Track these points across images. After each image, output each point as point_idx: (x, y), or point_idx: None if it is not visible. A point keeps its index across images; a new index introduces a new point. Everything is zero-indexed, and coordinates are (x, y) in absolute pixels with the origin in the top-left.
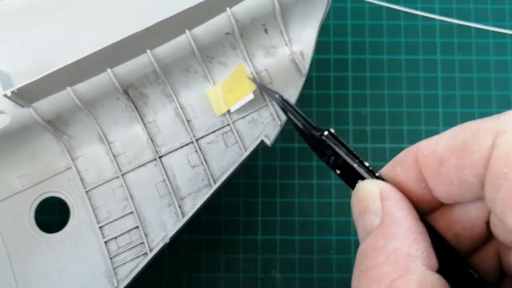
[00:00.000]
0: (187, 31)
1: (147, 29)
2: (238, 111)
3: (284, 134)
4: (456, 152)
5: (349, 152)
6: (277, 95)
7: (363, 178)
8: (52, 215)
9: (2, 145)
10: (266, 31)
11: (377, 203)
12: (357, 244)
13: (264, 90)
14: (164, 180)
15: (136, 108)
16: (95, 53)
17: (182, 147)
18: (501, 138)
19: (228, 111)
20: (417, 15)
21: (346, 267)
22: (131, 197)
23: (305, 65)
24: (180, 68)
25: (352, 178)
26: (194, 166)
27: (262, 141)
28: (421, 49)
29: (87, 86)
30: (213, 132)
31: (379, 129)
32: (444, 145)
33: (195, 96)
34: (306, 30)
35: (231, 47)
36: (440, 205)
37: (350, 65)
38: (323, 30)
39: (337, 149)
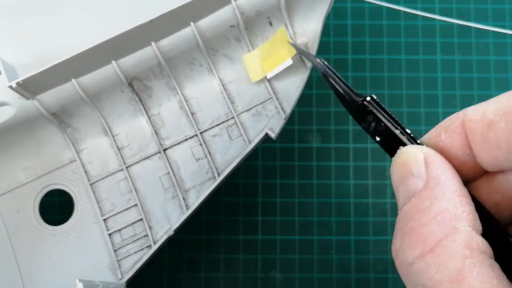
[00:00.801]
0: (192, 23)
1: (151, 21)
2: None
3: (284, 134)
4: (507, 115)
5: (391, 118)
6: (318, 60)
7: (404, 145)
8: (56, 207)
9: (6, 137)
10: (271, 24)
11: (421, 166)
12: (357, 244)
13: (305, 55)
14: (168, 172)
15: (140, 100)
16: (99, 45)
17: (186, 140)
18: None
19: (265, 78)
20: (417, 15)
21: (346, 267)
22: (135, 189)
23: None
24: (184, 61)
25: (392, 145)
26: (199, 159)
27: (266, 134)
28: (421, 49)
29: (91, 78)
30: (218, 125)
31: None
32: (494, 109)
33: (199, 89)
34: (311, 23)
35: (236, 40)
36: (482, 174)
37: (350, 65)
38: (323, 30)
39: (379, 115)
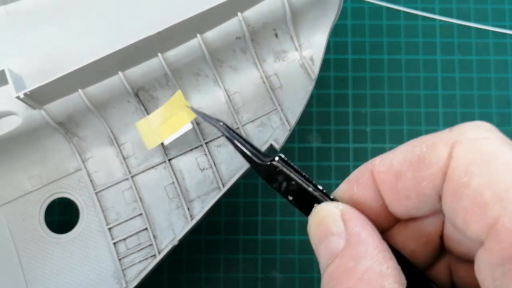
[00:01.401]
0: (198, 35)
1: (158, 33)
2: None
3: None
4: (413, 165)
5: (302, 176)
6: (221, 123)
7: (319, 202)
8: (61, 216)
9: (13, 146)
10: (276, 36)
11: (339, 224)
12: None
13: (207, 119)
14: (173, 182)
15: (146, 110)
16: (107, 56)
17: (191, 150)
18: (457, 148)
19: (162, 144)
20: (417, 15)
21: None
22: (140, 199)
23: (315, 70)
24: (190, 72)
25: (306, 203)
26: (203, 169)
27: (271, 145)
28: (421, 49)
29: (98, 89)
30: (223, 135)
31: (379, 129)
32: (400, 160)
33: (205, 100)
34: (316, 35)
35: (242, 52)
36: (396, 222)
37: (350, 65)
38: None
39: (290, 174)
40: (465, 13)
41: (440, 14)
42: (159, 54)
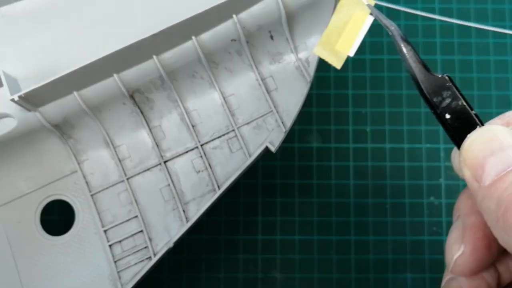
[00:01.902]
0: (193, 37)
1: (154, 35)
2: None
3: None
4: None
5: (466, 100)
6: (392, 27)
7: (479, 126)
8: (57, 218)
9: (8, 148)
10: (272, 38)
11: None
12: (357, 244)
13: (379, 17)
14: (168, 184)
15: (142, 113)
16: (102, 58)
17: (187, 152)
18: None
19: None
20: (417, 15)
21: (346, 267)
22: (135, 201)
23: (310, 72)
24: (186, 74)
25: (462, 125)
26: (199, 171)
27: (266, 147)
28: (421, 49)
29: (93, 91)
30: (218, 137)
31: (379, 129)
32: None
33: (200, 102)
34: (312, 37)
35: (237, 54)
36: None
37: (350, 65)
38: None
39: (458, 93)
40: (465, 13)
41: (440, 14)
42: (154, 57)
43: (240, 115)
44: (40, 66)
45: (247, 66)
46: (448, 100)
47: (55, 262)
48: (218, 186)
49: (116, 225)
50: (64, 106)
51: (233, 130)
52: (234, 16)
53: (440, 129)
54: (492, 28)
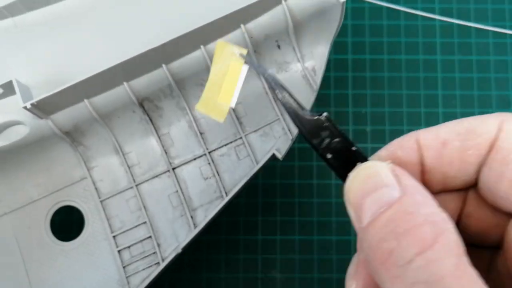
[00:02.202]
0: (202, 47)
1: (163, 45)
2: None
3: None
4: (461, 135)
5: (345, 137)
6: (269, 72)
7: (361, 161)
8: (67, 224)
9: (20, 155)
10: (279, 47)
11: (391, 177)
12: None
13: (253, 66)
14: (177, 191)
15: (151, 120)
16: (112, 67)
17: (195, 159)
18: (506, 124)
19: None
20: (417, 15)
21: (346, 267)
22: (144, 207)
23: (317, 81)
24: (194, 82)
25: (345, 162)
26: (207, 178)
27: (273, 155)
28: (421, 49)
29: (104, 99)
30: (226, 145)
31: (379, 129)
32: (447, 131)
33: None
34: (318, 47)
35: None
36: None
37: (350, 65)
38: None
39: (335, 131)
40: (465, 13)
41: (440, 14)
42: (163, 65)
43: (248, 123)
44: (51, 74)
45: (254, 75)
46: (327, 140)
47: (65, 267)
48: (226, 193)
49: (125, 231)
50: (75, 113)
51: (241, 138)
52: (242, 26)
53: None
54: (492, 28)
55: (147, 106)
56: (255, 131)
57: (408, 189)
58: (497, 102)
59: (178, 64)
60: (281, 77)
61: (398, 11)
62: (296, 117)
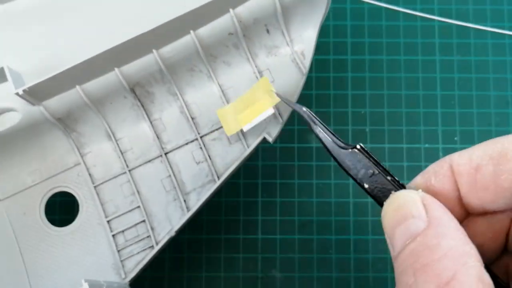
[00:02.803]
0: (191, 31)
1: (153, 30)
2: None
3: (284, 134)
4: (493, 159)
5: (381, 166)
6: (304, 109)
7: (396, 190)
8: (61, 209)
9: (13, 142)
10: (268, 31)
11: (420, 208)
12: (356, 243)
13: (290, 104)
14: (169, 175)
15: (142, 106)
16: (103, 53)
17: (187, 143)
18: None
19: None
20: (416, 16)
21: (345, 267)
22: (138, 192)
23: (306, 65)
24: (185, 68)
25: (382, 192)
26: (199, 162)
27: (264, 138)
28: (420, 50)
29: (95, 85)
30: (217, 129)
31: (378, 129)
32: (480, 154)
33: (199, 95)
34: (307, 30)
35: (234, 47)
36: (465, 218)
37: (349, 65)
38: (323, 31)
39: (369, 163)
40: (464, 13)
41: (439, 15)
42: (153, 51)
43: None
44: (42, 61)
45: (244, 59)
46: (362, 171)
47: (60, 252)
48: (218, 177)
49: (119, 216)
50: (67, 100)
51: None
52: (231, 10)
53: (439, 129)
54: (491, 28)
55: (138, 92)
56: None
57: (433, 220)
58: (496, 103)
59: (169, 49)
60: (271, 61)
61: (397, 12)
62: (332, 151)
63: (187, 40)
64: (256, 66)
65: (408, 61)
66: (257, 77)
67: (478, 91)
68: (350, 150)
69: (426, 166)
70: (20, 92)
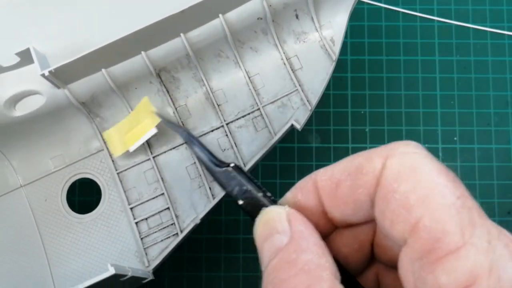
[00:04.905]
0: (220, 15)
1: (182, 12)
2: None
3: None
4: (351, 175)
5: (253, 183)
6: (181, 129)
7: (266, 206)
8: (84, 196)
9: (36, 126)
10: (297, 17)
11: (284, 223)
12: None
13: (169, 125)
14: (194, 163)
15: (168, 92)
16: (130, 35)
17: (212, 131)
18: (390, 160)
19: (128, 151)
20: (415, 16)
21: None
22: (162, 179)
23: (336, 51)
24: (212, 53)
25: (255, 208)
26: (224, 150)
27: (292, 125)
28: (420, 50)
29: (121, 69)
30: (243, 116)
31: (378, 129)
32: (341, 170)
33: (225, 81)
34: (337, 16)
35: (263, 33)
36: (332, 230)
37: (349, 65)
38: None
39: (242, 180)
40: (463, 14)
41: (439, 15)
42: (181, 34)
43: (265, 94)
44: (68, 44)
45: (272, 46)
46: (237, 188)
47: (82, 240)
48: (244, 164)
49: (142, 203)
50: (92, 83)
51: (258, 109)
52: None
53: (439, 129)
54: (490, 29)
55: (164, 77)
56: (272, 102)
57: (295, 235)
58: (495, 103)
59: (196, 33)
60: (299, 47)
61: (397, 12)
62: (208, 169)
63: (215, 24)
64: (284, 53)
65: (407, 61)
66: (284, 64)
67: (477, 91)
68: (224, 168)
69: None
70: (46, 73)
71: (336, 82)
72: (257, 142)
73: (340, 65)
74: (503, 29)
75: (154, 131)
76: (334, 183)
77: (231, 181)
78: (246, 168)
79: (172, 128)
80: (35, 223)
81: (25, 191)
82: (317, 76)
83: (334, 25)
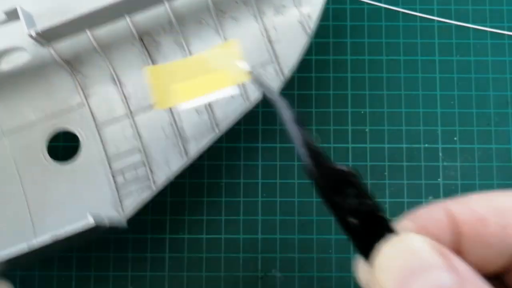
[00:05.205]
0: None
1: None
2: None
3: (283, 134)
4: (500, 213)
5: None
6: (284, 103)
7: (389, 231)
8: (63, 147)
9: (20, 81)
10: None
11: (436, 257)
12: None
13: (269, 94)
14: (171, 123)
15: (149, 54)
16: (116, 1)
17: None
18: None
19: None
20: (415, 16)
21: (346, 266)
22: (139, 135)
23: (311, 25)
24: (193, 20)
25: (372, 231)
26: (200, 113)
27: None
28: (420, 50)
29: (105, 30)
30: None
31: (378, 129)
32: (484, 206)
33: (205, 47)
34: None
35: (244, 3)
36: None
37: (349, 65)
38: (322, 32)
39: (364, 190)
40: (463, 14)
41: (439, 15)
42: (165, 1)
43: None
44: (53, 4)
45: (252, 16)
46: (352, 199)
47: (62, 189)
48: (218, 128)
49: (119, 157)
50: (76, 43)
51: None
52: None
53: (439, 129)
54: (490, 29)
55: (146, 41)
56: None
57: (465, 276)
58: (495, 103)
59: (180, 1)
60: (278, 20)
61: (397, 12)
62: (315, 163)
63: None
64: (263, 24)
65: (407, 61)
66: (263, 35)
67: (477, 91)
68: (340, 167)
69: (425, 166)
70: (33, 34)
71: (336, 82)
72: (231, 107)
73: (340, 65)
74: (503, 29)
75: (234, 90)
76: (478, 219)
77: (348, 189)
78: (219, 132)
79: (271, 101)
80: (16, 171)
81: (8, 140)
82: (292, 49)
83: (312, 1)
